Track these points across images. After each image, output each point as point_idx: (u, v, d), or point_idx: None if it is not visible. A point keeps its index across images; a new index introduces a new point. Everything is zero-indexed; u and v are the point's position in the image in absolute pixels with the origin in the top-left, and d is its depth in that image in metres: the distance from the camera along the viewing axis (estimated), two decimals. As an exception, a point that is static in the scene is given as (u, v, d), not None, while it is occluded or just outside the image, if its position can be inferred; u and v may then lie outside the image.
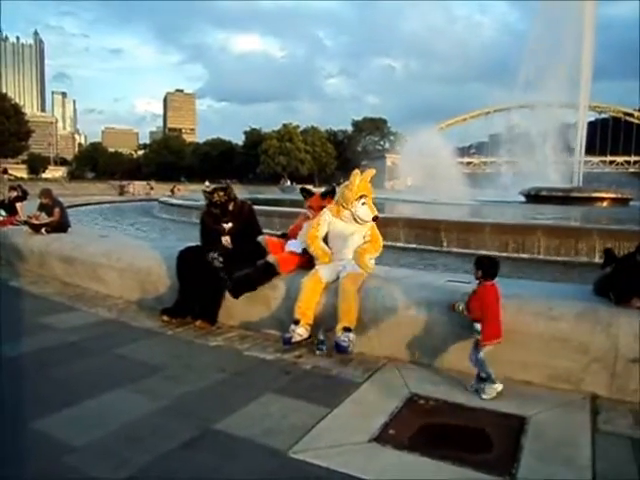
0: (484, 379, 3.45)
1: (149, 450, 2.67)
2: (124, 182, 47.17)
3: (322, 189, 4.98)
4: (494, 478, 2.51)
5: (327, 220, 4.44)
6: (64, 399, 3.23)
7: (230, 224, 4.89)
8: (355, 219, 4.32)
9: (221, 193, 4.89)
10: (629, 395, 3.35)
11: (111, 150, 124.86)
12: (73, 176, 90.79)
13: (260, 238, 4.76)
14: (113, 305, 5.44)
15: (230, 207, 4.92)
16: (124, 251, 5.90)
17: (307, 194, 4.95)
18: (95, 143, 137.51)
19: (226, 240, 4.88)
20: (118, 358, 4.02)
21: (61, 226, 7.40)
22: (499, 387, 3.42)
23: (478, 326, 3.44)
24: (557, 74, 31.77)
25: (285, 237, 4.97)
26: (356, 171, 4.45)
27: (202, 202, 5.23)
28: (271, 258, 4.55)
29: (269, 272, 4.50)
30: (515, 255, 9.47)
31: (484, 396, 3.40)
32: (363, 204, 4.30)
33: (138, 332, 4.64)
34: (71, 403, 3.18)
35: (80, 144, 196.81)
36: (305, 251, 4.54)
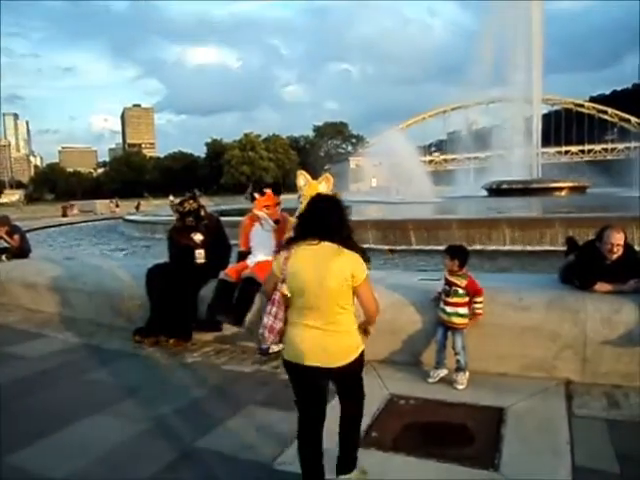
0: (461, 368, 3.51)
1: (132, 476, 2.62)
2: (67, 203, 45.03)
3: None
4: (478, 471, 2.55)
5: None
6: (39, 430, 3.12)
7: (201, 237, 4.85)
8: None
9: (191, 201, 4.93)
10: (600, 378, 3.47)
11: (70, 170, 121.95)
12: (31, 199, 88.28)
13: (222, 274, 4.64)
14: (83, 329, 5.28)
15: (202, 213, 4.93)
16: (91, 273, 5.76)
17: (260, 193, 4.69)
18: (52, 164, 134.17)
19: (200, 254, 4.83)
20: (92, 383, 3.92)
21: (22, 252, 7.17)
22: (467, 374, 3.52)
23: (463, 310, 3.51)
24: (510, 71, 32.67)
25: (243, 256, 4.86)
26: (299, 172, 4.47)
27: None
28: (248, 272, 4.50)
29: (254, 286, 4.42)
30: (482, 248, 9.69)
31: (460, 387, 3.48)
32: None
33: (111, 355, 4.53)
34: (46, 434, 3.08)
35: (36, 166, 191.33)
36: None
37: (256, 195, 4.73)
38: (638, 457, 2.64)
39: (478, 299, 3.53)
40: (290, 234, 4.32)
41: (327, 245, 2.27)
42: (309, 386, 2.32)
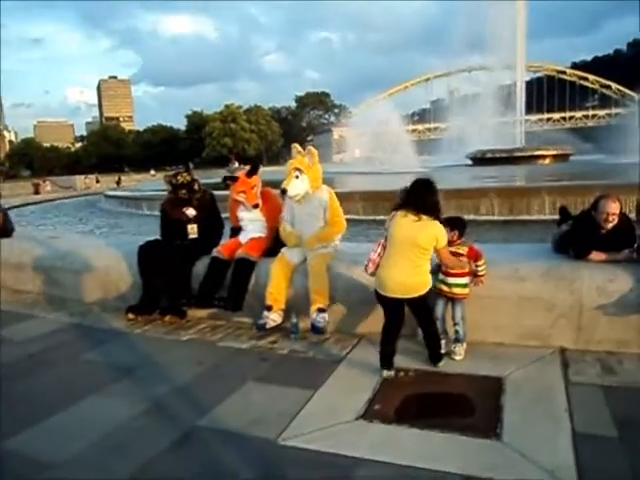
0: (459, 339, 3.54)
1: (136, 457, 2.59)
2: (39, 179, 43.78)
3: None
4: (482, 440, 2.59)
5: (289, 204, 4.36)
6: (36, 414, 3.06)
7: (194, 211, 4.76)
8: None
9: (184, 174, 4.81)
10: (594, 345, 3.53)
11: (46, 145, 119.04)
12: (7, 176, 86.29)
13: (214, 252, 4.56)
14: (73, 309, 5.18)
15: (195, 187, 4.81)
16: (79, 251, 5.64)
17: (232, 180, 4.62)
18: (27, 139, 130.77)
19: (192, 228, 4.75)
20: (86, 364, 3.86)
21: (4, 231, 6.98)
22: (465, 345, 3.55)
23: (465, 280, 3.53)
24: (493, 38, 32.37)
25: (235, 232, 4.81)
26: (293, 145, 4.43)
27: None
28: (240, 253, 4.44)
29: (248, 267, 4.40)
30: (471, 217, 9.71)
31: (457, 357, 3.51)
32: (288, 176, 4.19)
33: (104, 334, 4.45)
34: (42, 417, 3.02)
35: (11, 141, 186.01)
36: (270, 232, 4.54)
37: (229, 182, 4.63)
38: (635, 421, 2.70)
39: (480, 262, 3.54)
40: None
41: (422, 216, 3.18)
42: (391, 309, 3.35)
